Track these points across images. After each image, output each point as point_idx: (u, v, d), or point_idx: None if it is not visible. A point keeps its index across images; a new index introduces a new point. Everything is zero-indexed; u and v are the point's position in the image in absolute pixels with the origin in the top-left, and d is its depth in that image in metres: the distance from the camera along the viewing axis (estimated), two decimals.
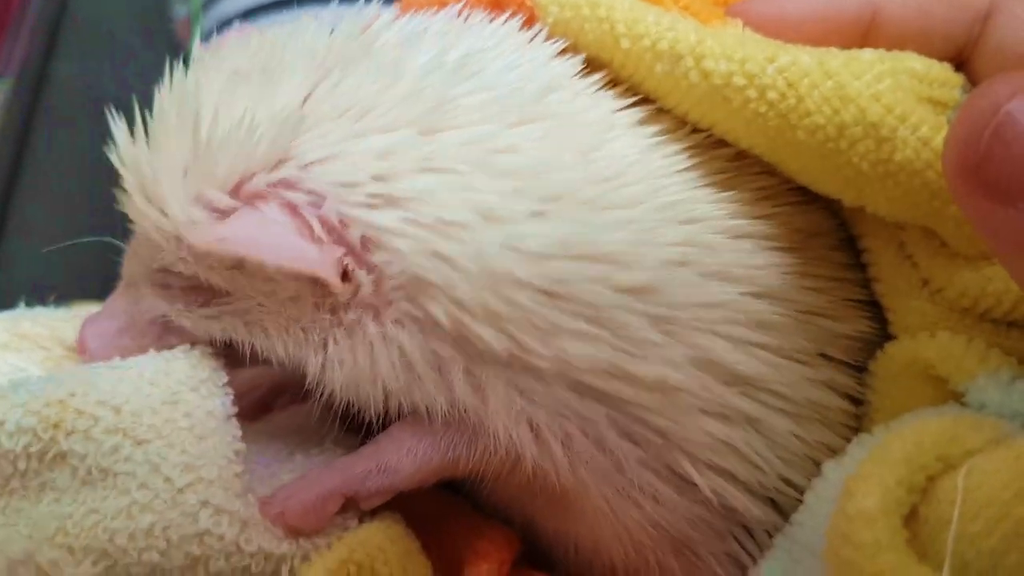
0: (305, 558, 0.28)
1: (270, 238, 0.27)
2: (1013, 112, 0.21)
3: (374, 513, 0.30)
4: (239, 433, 0.28)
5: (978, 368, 0.27)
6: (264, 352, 0.29)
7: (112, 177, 0.30)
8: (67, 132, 0.68)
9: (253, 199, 0.27)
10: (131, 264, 0.31)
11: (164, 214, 0.28)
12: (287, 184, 0.27)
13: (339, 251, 0.27)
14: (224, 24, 0.58)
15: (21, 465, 0.26)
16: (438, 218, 0.27)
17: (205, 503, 0.26)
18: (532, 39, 0.31)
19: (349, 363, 0.28)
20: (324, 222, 0.27)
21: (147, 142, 0.29)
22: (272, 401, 0.37)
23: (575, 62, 0.31)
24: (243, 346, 0.29)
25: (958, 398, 0.27)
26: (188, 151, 0.27)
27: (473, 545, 0.31)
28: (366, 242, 0.27)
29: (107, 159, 0.29)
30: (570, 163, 0.28)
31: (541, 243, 0.27)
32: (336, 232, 0.27)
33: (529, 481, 0.30)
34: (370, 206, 0.27)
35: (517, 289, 0.27)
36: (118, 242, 0.32)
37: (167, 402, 0.28)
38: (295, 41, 0.30)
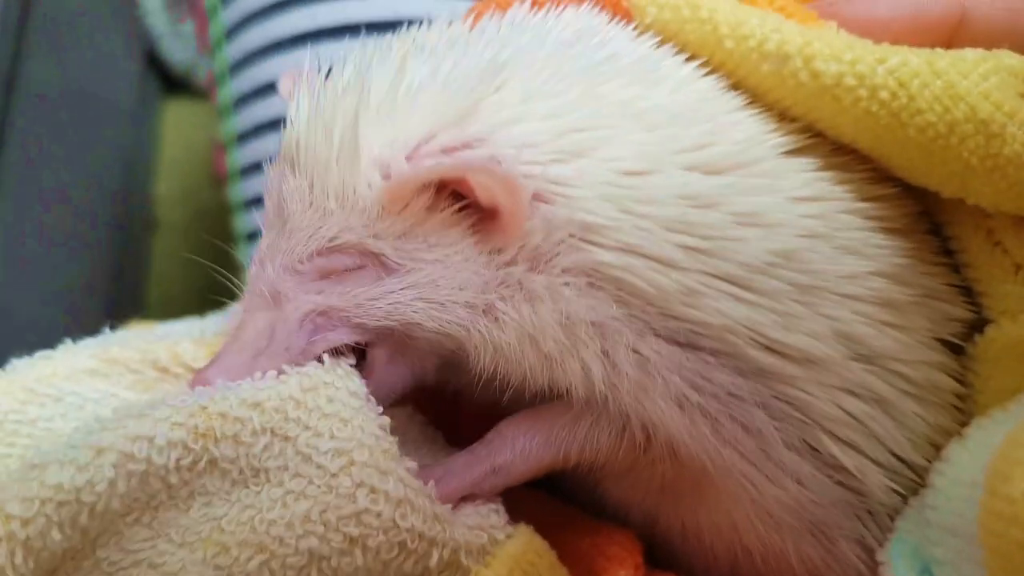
0: (454, 550, 0.28)
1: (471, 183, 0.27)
2: None
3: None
4: (380, 409, 0.28)
5: None
6: (429, 326, 0.29)
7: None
8: (44, 128, 0.65)
9: (442, 153, 0.28)
10: (265, 272, 0.29)
11: (353, 163, 0.28)
12: (477, 142, 0.27)
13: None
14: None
15: (173, 479, 0.26)
16: (610, 167, 0.28)
17: (360, 484, 0.26)
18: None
19: (515, 320, 0.28)
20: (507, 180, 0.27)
21: (333, 96, 0.29)
22: None
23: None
24: (408, 326, 0.29)
25: None
26: (384, 97, 0.28)
27: (604, 551, 0.31)
28: (538, 195, 0.28)
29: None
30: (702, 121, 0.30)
31: (706, 190, 0.28)
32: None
33: (652, 473, 0.31)
34: (546, 163, 0.28)
35: (683, 236, 0.28)
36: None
37: (307, 389, 0.27)
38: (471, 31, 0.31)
